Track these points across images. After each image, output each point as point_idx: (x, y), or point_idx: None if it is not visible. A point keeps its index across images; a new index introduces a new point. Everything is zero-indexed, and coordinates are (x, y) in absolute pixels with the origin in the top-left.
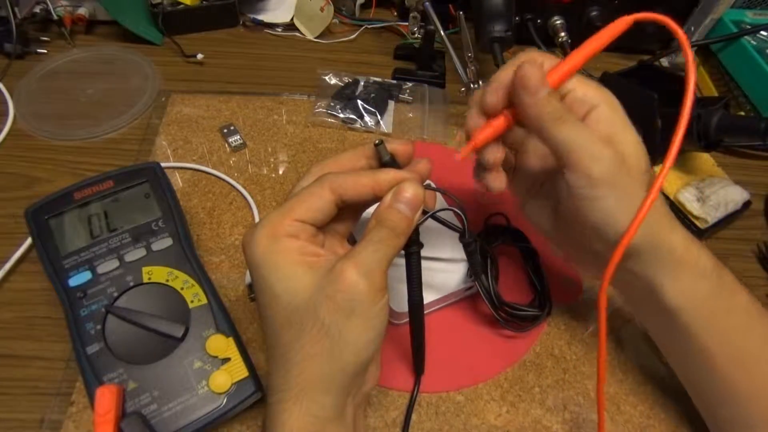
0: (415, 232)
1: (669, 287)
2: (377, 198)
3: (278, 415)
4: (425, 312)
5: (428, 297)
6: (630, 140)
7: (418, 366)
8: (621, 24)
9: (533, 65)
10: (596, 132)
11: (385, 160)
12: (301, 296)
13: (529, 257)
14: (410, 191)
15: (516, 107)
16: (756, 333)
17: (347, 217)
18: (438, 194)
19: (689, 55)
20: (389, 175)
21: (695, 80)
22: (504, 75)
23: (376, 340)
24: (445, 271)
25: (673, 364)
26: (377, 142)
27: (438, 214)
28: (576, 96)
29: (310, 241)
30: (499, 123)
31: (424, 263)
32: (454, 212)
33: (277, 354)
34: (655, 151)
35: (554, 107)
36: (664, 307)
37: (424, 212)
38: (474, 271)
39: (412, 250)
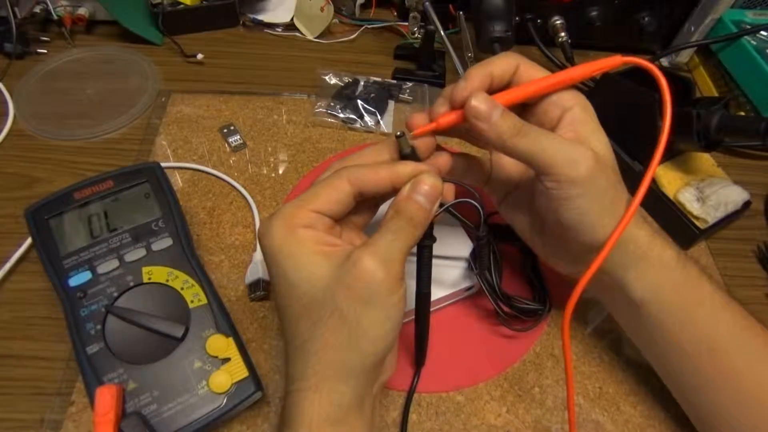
0: (430, 226)
1: (635, 281)
2: (396, 190)
3: (298, 404)
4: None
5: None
6: (601, 141)
7: (419, 357)
8: (610, 62)
9: (479, 96)
10: (570, 133)
11: (406, 153)
12: (319, 285)
13: (527, 256)
14: (429, 183)
15: (475, 134)
16: (723, 322)
17: (365, 210)
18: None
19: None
20: (408, 167)
21: (670, 118)
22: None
23: (394, 331)
24: (447, 270)
25: (645, 354)
26: (399, 134)
27: (449, 207)
28: (551, 100)
29: (327, 232)
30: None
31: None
32: (470, 204)
33: (295, 344)
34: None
35: (510, 124)
36: (632, 301)
37: (440, 205)
38: (480, 264)
39: (425, 243)
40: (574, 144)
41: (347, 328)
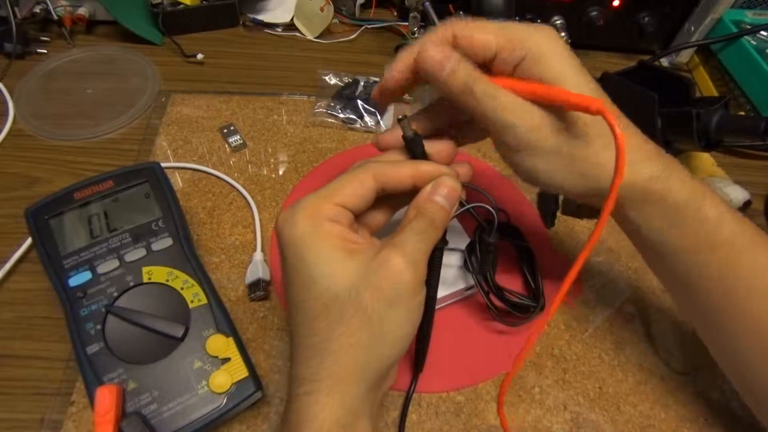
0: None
1: (642, 223)
2: (416, 189)
3: (308, 407)
4: None
5: None
6: (572, 84)
7: (418, 363)
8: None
9: (432, 45)
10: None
11: (409, 136)
12: (342, 282)
13: (525, 256)
14: (449, 185)
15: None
16: (743, 266)
17: (379, 211)
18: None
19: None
20: (430, 167)
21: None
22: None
23: (411, 334)
24: (447, 270)
25: (665, 287)
26: (400, 117)
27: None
28: (502, 55)
29: (350, 228)
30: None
31: None
32: (485, 209)
33: (309, 342)
34: None
35: (461, 79)
36: (645, 240)
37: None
38: (482, 268)
39: (438, 245)
40: (520, 106)
41: (370, 329)
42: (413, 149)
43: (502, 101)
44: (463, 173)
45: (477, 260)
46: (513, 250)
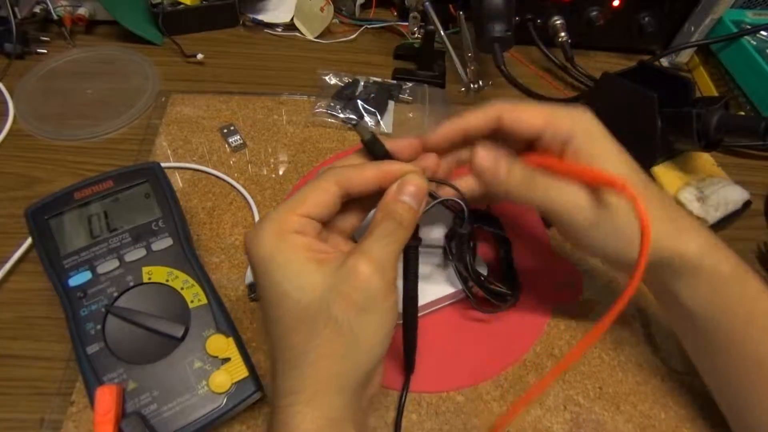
0: (415, 227)
1: (686, 294)
2: (382, 190)
3: (290, 418)
4: (427, 312)
5: (429, 297)
6: (610, 161)
7: (408, 363)
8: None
9: (483, 152)
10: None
11: (366, 138)
12: (312, 294)
13: (502, 245)
14: (415, 183)
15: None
16: None
17: (351, 214)
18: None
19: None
20: (393, 166)
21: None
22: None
23: (387, 337)
24: (446, 270)
25: (697, 365)
26: (354, 122)
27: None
28: (546, 136)
29: (317, 237)
30: None
31: (424, 262)
32: (456, 202)
33: (287, 356)
34: (655, 151)
35: (518, 179)
36: (685, 312)
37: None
38: (459, 258)
39: (411, 244)
40: (575, 190)
41: (343, 338)
42: (374, 150)
43: (561, 190)
44: (428, 167)
45: (455, 249)
46: (491, 239)
